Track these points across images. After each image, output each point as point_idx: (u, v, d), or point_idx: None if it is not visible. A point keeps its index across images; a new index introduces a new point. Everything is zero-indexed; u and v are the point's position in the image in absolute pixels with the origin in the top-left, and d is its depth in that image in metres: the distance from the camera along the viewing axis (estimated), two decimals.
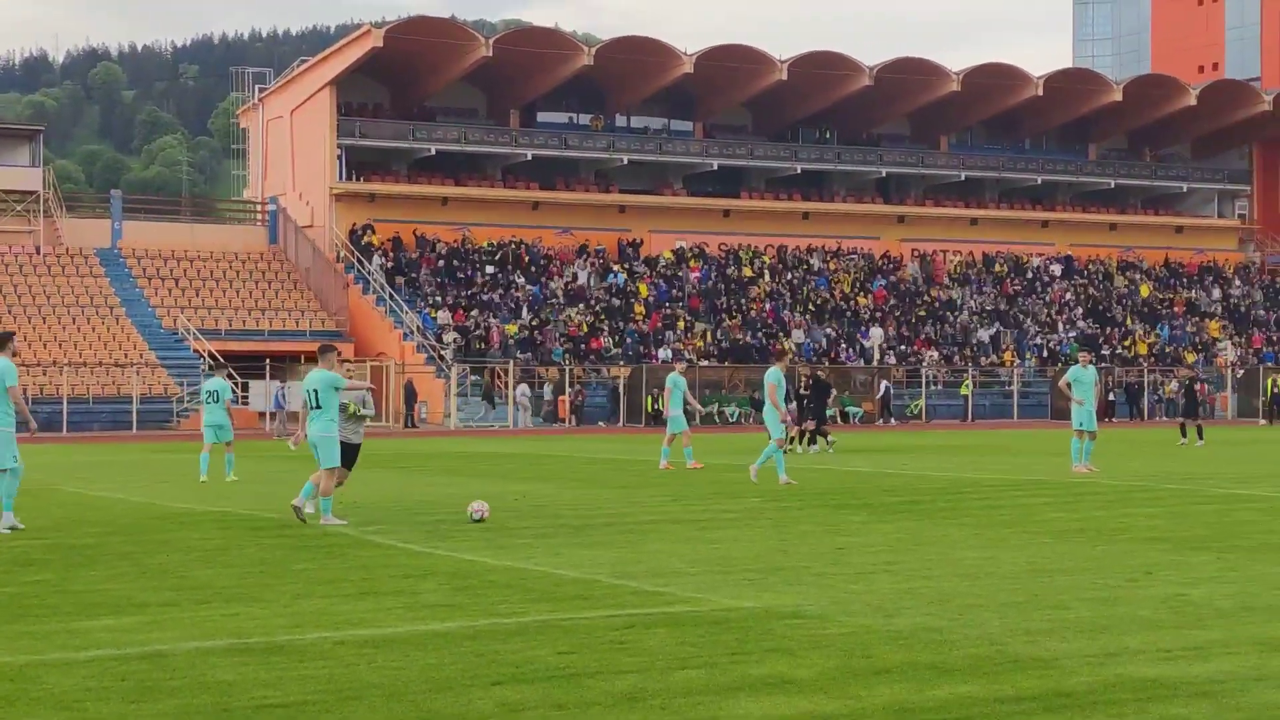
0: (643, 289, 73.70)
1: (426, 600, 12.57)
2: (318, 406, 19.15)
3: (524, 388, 62.54)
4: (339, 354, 20.79)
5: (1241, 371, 74.90)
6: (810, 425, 40.56)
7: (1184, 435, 42.23)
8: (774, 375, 26.06)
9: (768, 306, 74.56)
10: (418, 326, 65.80)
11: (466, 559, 15.39)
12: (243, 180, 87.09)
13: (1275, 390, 65.07)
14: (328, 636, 10.80)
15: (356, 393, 20.00)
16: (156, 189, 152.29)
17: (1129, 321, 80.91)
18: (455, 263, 72.65)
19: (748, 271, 77.53)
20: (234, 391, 31.76)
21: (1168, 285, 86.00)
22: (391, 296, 67.66)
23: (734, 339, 70.48)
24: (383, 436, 52.45)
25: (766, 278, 77.57)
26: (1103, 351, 75.28)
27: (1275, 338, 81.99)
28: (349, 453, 19.75)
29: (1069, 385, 29.56)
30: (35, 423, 19.59)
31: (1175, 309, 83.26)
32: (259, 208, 77.86)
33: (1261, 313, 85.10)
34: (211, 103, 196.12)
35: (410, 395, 61.32)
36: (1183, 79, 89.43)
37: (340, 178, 73.21)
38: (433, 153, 75.09)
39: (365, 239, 71.67)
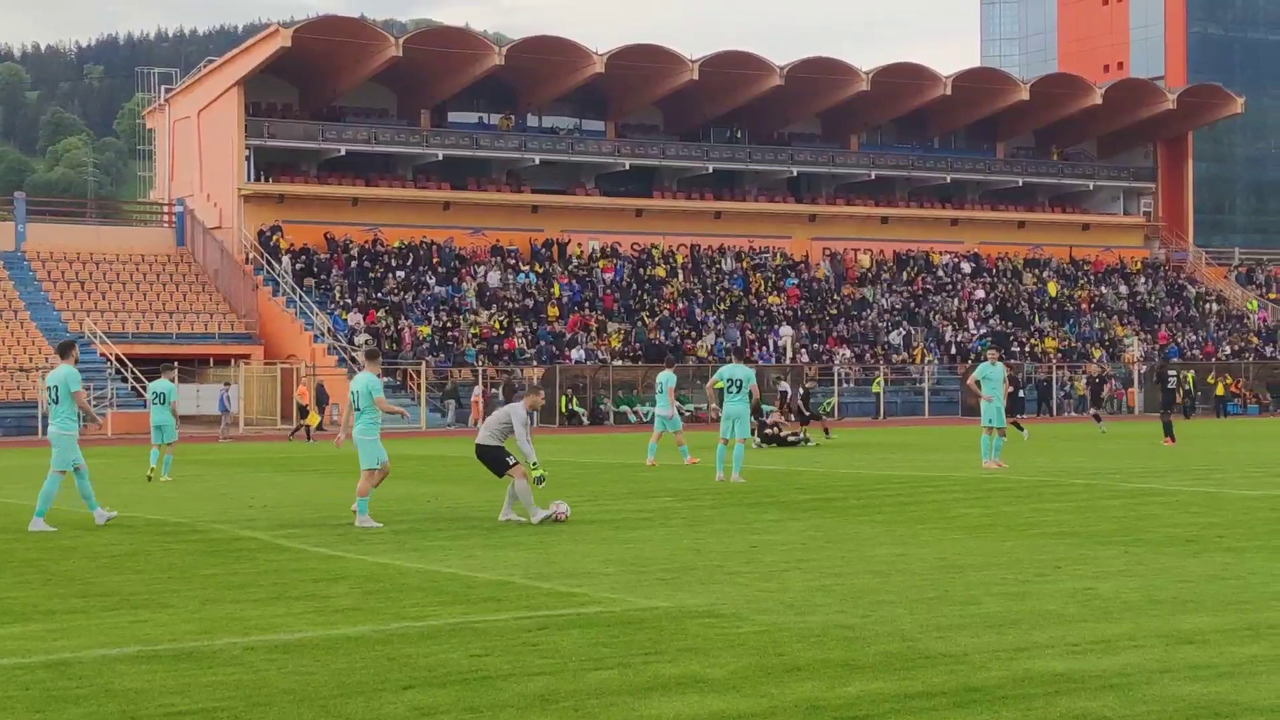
0: (556, 289, 73.61)
1: (337, 604, 12.49)
2: (358, 409, 19.48)
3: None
4: (381, 358, 21.66)
5: (1146, 367, 75.75)
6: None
7: (1099, 423, 43.72)
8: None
9: (680, 306, 74.69)
10: (328, 328, 65.39)
11: (378, 562, 15.30)
12: (149, 182, 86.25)
13: (1185, 387, 65.82)
14: (237, 642, 10.70)
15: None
16: (61, 191, 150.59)
17: (1037, 319, 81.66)
18: (366, 264, 72.27)
19: (660, 271, 77.65)
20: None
21: (1075, 282, 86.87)
22: (301, 298, 67.20)
23: (649, 339, 70.52)
24: (224, 440, 52.09)
25: (679, 277, 77.71)
26: (1012, 349, 75.94)
27: (1179, 333, 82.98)
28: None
29: (978, 383, 29.88)
30: (99, 420, 20.17)
31: (1082, 306, 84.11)
32: (166, 209, 77.10)
33: (1166, 309, 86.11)
34: (117, 103, 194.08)
35: (322, 397, 60.83)
36: (1088, 78, 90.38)
37: (249, 178, 72.62)
38: (342, 153, 74.67)
39: (274, 240, 71.14)
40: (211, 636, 10.94)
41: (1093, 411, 47.88)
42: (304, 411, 53.67)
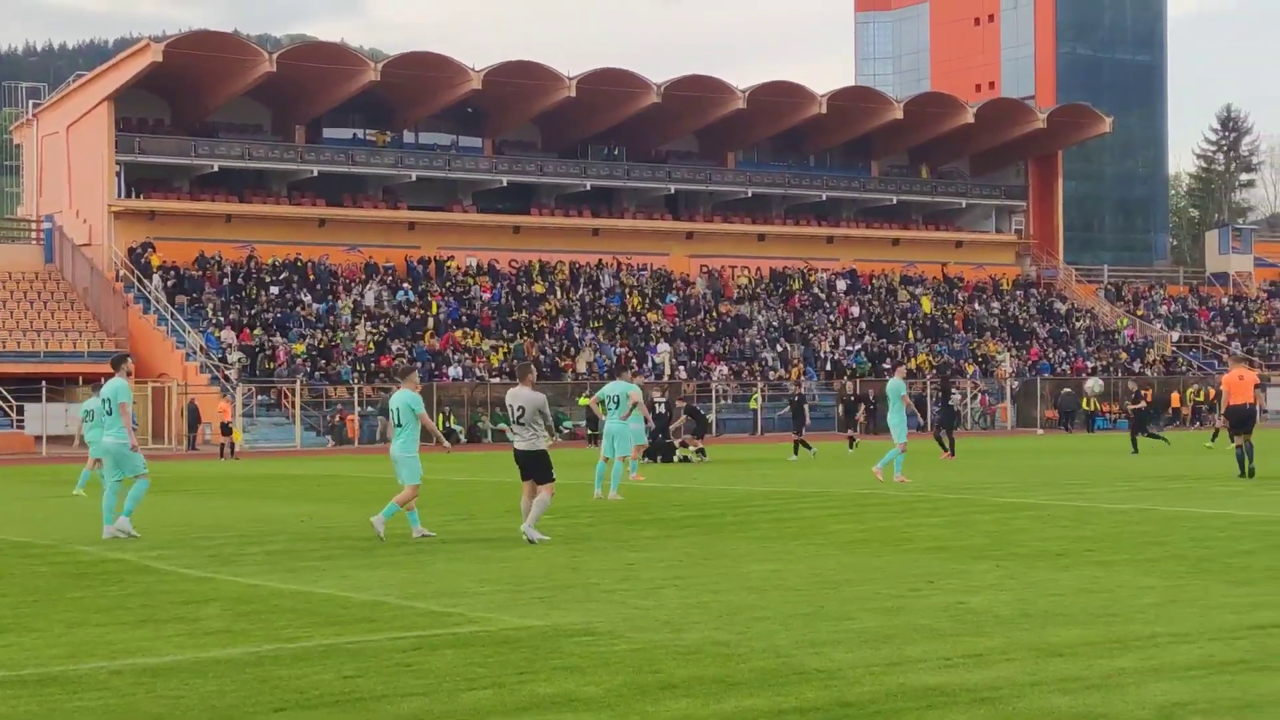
0: (434, 306, 73.28)
1: (208, 626, 12.31)
2: (399, 425, 19.72)
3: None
4: (419, 375, 22.15)
5: (1018, 383, 76.78)
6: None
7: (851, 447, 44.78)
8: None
9: (559, 323, 74.64)
10: (201, 346, 64.63)
11: (250, 584, 15.11)
12: (16, 198, 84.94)
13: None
14: (104, 666, 10.51)
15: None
16: None
17: (911, 335, 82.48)
18: (240, 281, 71.54)
19: (539, 288, 77.56)
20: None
21: (949, 299, 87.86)
22: (173, 316, 66.36)
23: (528, 356, 70.36)
24: (164, 459, 51.40)
25: (558, 294, 77.67)
26: (884, 365, 76.60)
27: (1050, 350, 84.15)
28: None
29: (901, 399, 30.17)
30: (135, 440, 20.60)
31: (955, 322, 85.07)
32: (34, 226, 75.89)
33: (1036, 325, 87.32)
34: None
35: (194, 417, 60.13)
36: (961, 98, 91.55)
37: (119, 195, 71.63)
38: (215, 169, 73.88)
39: (145, 257, 70.21)
40: (78, 660, 10.74)
41: (849, 434, 48.18)
42: (226, 429, 52.95)
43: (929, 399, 73.61)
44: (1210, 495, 24.93)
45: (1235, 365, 32.89)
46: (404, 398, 19.88)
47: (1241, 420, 29.62)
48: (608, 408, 27.06)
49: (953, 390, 48.40)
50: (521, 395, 19.09)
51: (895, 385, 30.24)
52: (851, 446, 46.06)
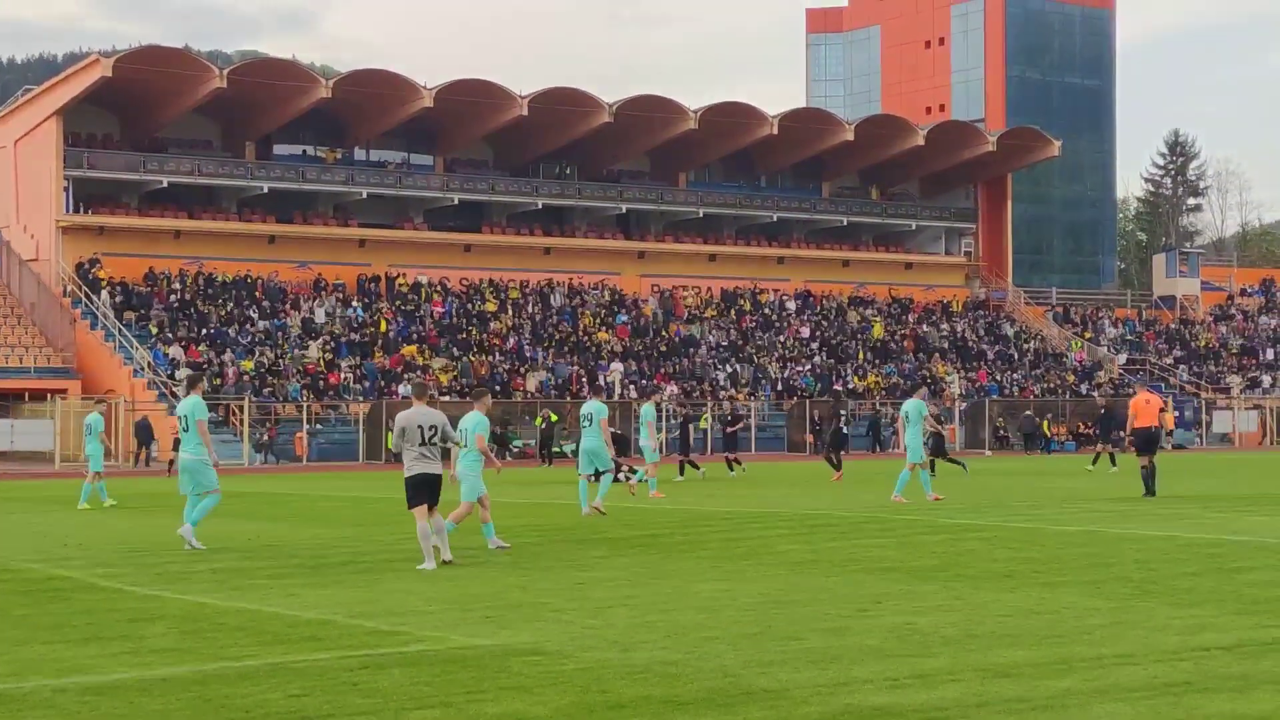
0: (383, 324, 73.09)
1: (154, 645, 12.24)
2: (464, 445, 20.30)
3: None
4: (490, 397, 22.90)
5: (966, 405, 77.07)
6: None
7: (1094, 462, 45.33)
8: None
9: (510, 341, 74.56)
10: (149, 363, 64.26)
11: (197, 602, 15.04)
12: None
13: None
14: (48, 684, 10.44)
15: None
16: None
17: (861, 356, 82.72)
18: (188, 297, 71.18)
19: (490, 306, 77.47)
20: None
21: (898, 320, 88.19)
22: (121, 332, 65.98)
23: (478, 375, 70.22)
24: (112, 476, 51.01)
25: (509, 313, 77.59)
26: (835, 386, 76.86)
27: (999, 371, 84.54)
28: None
29: (906, 419, 30.25)
30: (217, 456, 21.47)
31: (905, 344, 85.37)
32: None
33: (985, 347, 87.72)
34: None
35: (145, 434, 59.71)
36: (911, 120, 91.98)
37: (67, 210, 71.20)
38: (165, 185, 73.50)
39: (93, 273, 69.80)
40: (21, 678, 10.66)
41: (728, 456, 47.80)
42: (177, 444, 52.56)
43: (882, 421, 74.15)
44: (1156, 518, 25.09)
45: (1142, 390, 34.08)
46: (474, 420, 20.58)
47: (1147, 442, 31.01)
48: (582, 425, 27.34)
49: (841, 413, 48.59)
50: (435, 416, 18.93)
51: (915, 405, 30.30)
52: (734, 468, 45.48)
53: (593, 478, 27.03)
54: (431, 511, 18.55)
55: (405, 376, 68.79)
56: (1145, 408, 31.44)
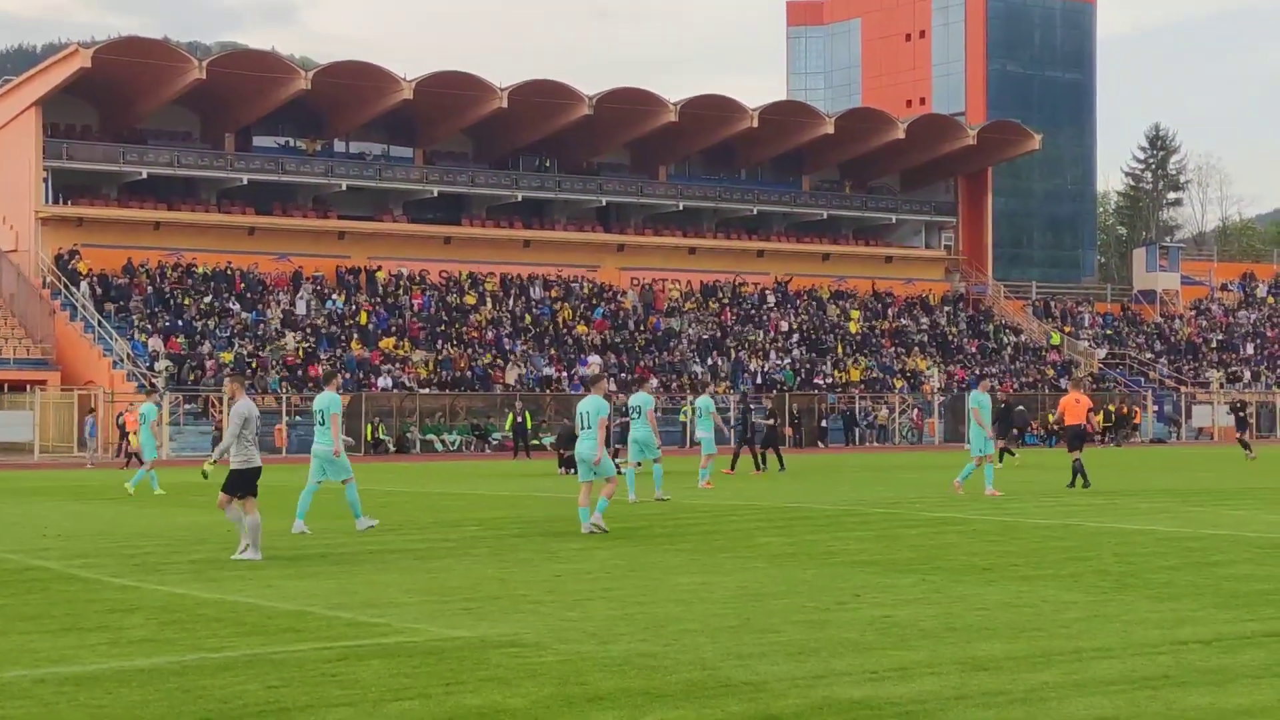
0: (363, 316, 72.98)
1: (132, 635, 12.21)
2: (587, 427, 21.53)
3: None
4: (608, 381, 23.44)
5: (945, 399, 77.17)
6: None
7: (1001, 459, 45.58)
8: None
9: (489, 334, 74.50)
10: (128, 354, 64.09)
11: (175, 593, 15.01)
12: None
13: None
14: (26, 675, 10.41)
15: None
16: None
17: (841, 349, 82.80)
18: (168, 289, 71.01)
19: (470, 299, 77.38)
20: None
21: (878, 314, 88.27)
22: (100, 323, 65.80)
23: (458, 368, 70.17)
24: (96, 467, 50.92)
25: (489, 305, 77.52)
26: (815, 381, 76.94)
27: (979, 365, 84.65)
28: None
29: (976, 411, 30.32)
30: (341, 446, 22.07)
31: (883, 342, 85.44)
32: None
33: (965, 341, 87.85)
34: None
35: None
36: (892, 113, 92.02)
37: (46, 201, 71.02)
38: (144, 176, 73.34)
39: (73, 264, 69.61)
40: (0, 669, 10.64)
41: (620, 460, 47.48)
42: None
43: (859, 414, 74.27)
44: (1135, 511, 25.16)
45: (1073, 390, 35.66)
46: (593, 403, 21.71)
47: (1076, 438, 32.95)
48: (631, 417, 28.89)
49: (752, 408, 48.75)
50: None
51: (978, 398, 30.52)
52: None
53: (636, 466, 28.73)
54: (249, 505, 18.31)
55: (384, 368, 68.72)
56: (1075, 406, 33.36)
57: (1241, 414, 53.08)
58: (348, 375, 64.53)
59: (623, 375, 74.09)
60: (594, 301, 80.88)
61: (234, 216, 75.71)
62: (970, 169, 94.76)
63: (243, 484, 18.26)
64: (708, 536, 20.91)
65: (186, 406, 62.68)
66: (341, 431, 22.13)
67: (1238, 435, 51.45)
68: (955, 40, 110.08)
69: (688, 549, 19.10)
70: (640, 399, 28.77)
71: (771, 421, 46.00)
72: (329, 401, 21.79)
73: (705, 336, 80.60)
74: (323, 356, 68.36)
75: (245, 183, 75.68)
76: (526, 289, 79.94)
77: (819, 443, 71.02)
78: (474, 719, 8.99)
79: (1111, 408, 76.12)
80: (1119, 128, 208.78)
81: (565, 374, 72.53)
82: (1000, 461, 45.98)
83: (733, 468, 42.36)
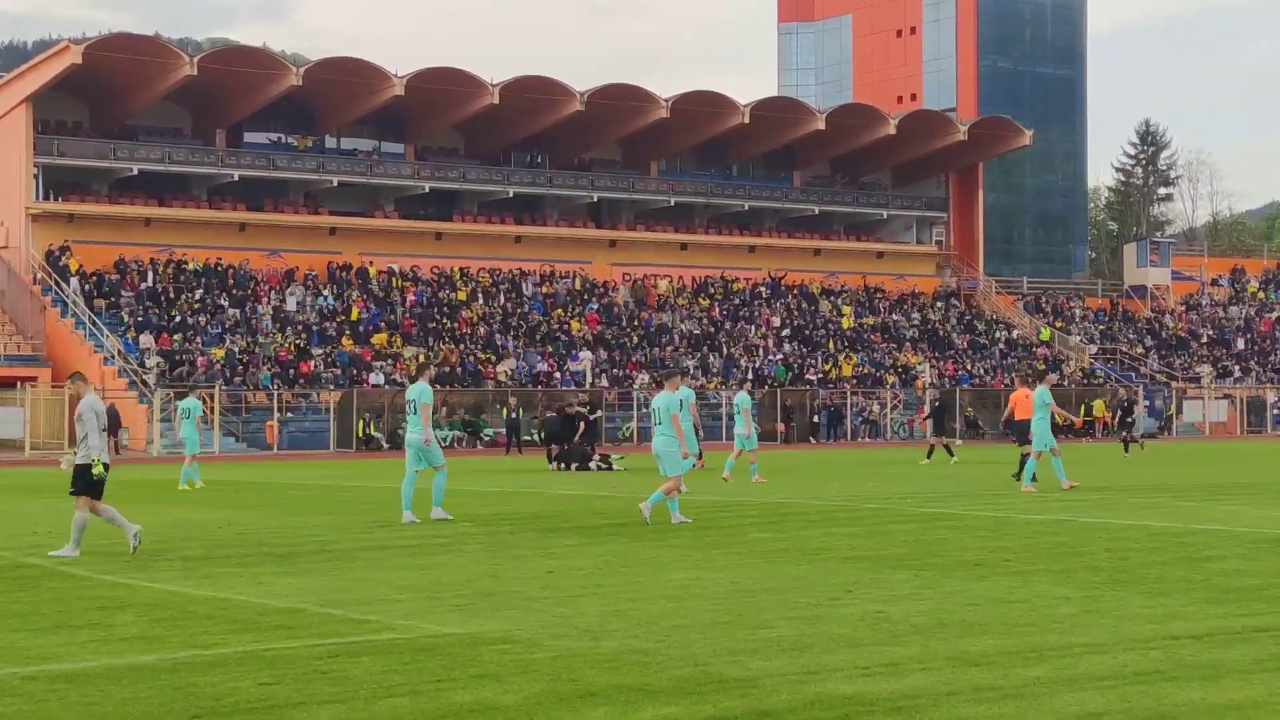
0: (355, 312, 72.93)
1: (123, 633, 12.20)
2: (659, 423, 22.34)
3: None
4: (680, 378, 24.68)
5: (937, 394, 77.12)
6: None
7: (930, 455, 45.97)
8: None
9: (481, 330, 74.46)
10: (119, 351, 64.02)
11: (166, 589, 14.99)
12: None
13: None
14: (16, 672, 10.40)
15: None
16: None
17: (832, 345, 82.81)
18: (159, 286, 70.92)
19: (461, 294, 77.34)
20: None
21: (869, 309, 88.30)
22: (91, 320, 65.71)
23: (449, 364, 70.12)
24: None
25: (480, 301, 77.48)
26: (807, 376, 76.96)
27: (970, 360, 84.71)
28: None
29: (1046, 406, 30.44)
30: (432, 435, 23.16)
31: (874, 338, 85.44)
32: None
33: (956, 336, 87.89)
34: None
35: (114, 421, 59.49)
36: (883, 109, 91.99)
37: (37, 197, 70.88)
38: (135, 172, 73.23)
39: (63, 261, 69.50)
40: None
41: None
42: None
43: (849, 410, 74.30)
44: (1127, 507, 25.19)
45: (1021, 385, 36.67)
46: (665, 399, 22.39)
47: (1023, 432, 33.35)
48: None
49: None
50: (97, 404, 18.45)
51: (1041, 393, 30.59)
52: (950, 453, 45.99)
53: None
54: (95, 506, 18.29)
55: (376, 365, 68.64)
56: (1024, 401, 33.78)
57: (1128, 413, 53.10)
58: (436, 368, 65.40)
59: (614, 371, 74.11)
60: (585, 297, 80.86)
61: (225, 213, 75.62)
62: (961, 165, 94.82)
63: (79, 480, 18.20)
64: (699, 532, 20.92)
65: (177, 403, 62.52)
66: (431, 421, 23.08)
67: (1121, 435, 51.91)
68: (946, 36, 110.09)
69: (680, 545, 19.10)
70: (683, 393, 28.66)
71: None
72: (420, 392, 23.04)
73: (696, 332, 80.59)
74: (315, 353, 68.30)
75: (236, 179, 75.58)
76: (518, 284, 79.90)
77: (811, 438, 71.08)
78: (466, 716, 8.99)
79: (1104, 401, 76.14)
80: (1110, 123, 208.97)
81: (557, 369, 72.50)
82: (930, 458, 45.53)
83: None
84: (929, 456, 45.62)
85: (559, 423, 44.96)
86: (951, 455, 45.14)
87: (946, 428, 49.19)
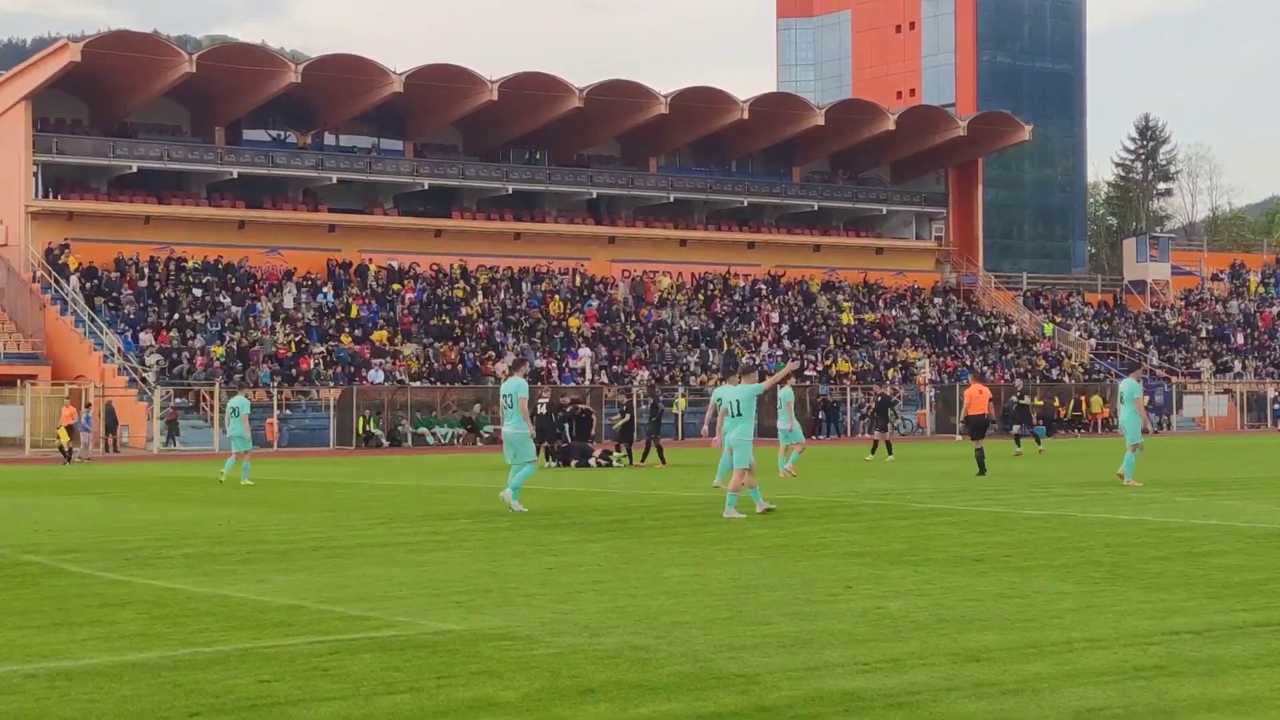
0: (354, 309, 72.92)
1: (123, 630, 12.19)
2: (738, 415, 22.65)
3: None
4: (757, 373, 25.32)
5: (936, 390, 77.19)
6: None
7: (873, 451, 44.06)
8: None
9: (480, 327, 74.45)
10: (118, 348, 64.01)
11: (166, 587, 14.99)
12: None
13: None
14: (17, 670, 10.39)
15: None
16: None
17: (831, 341, 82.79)
18: (158, 283, 70.91)
19: (460, 292, 77.32)
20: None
21: (868, 305, 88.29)
22: (91, 318, 65.71)
23: (449, 361, 70.12)
24: (81, 461, 50.87)
25: (479, 298, 77.46)
26: (806, 372, 76.93)
27: (969, 356, 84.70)
28: None
29: (1121, 399, 30.39)
30: (533, 428, 24.40)
31: (875, 328, 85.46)
32: None
33: (956, 332, 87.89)
34: None
35: (111, 419, 59.53)
36: (882, 105, 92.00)
37: (36, 195, 70.89)
38: (134, 170, 73.25)
39: (63, 259, 69.51)
40: None
41: (874, 438, 46.43)
42: (70, 431, 52.31)
43: (848, 405, 74.30)
44: (1126, 501, 25.17)
45: (975, 381, 37.41)
46: (742, 390, 22.90)
47: (978, 428, 34.59)
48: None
49: (659, 402, 48.85)
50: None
51: (1129, 386, 30.26)
52: (889, 451, 44.48)
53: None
54: None
55: (376, 362, 68.70)
56: (978, 397, 34.90)
57: (891, 411, 52.30)
58: (529, 365, 65.60)
59: (613, 367, 74.10)
60: (585, 293, 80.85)
61: (224, 210, 75.64)
62: (960, 160, 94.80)
63: None
64: (699, 529, 20.90)
65: (177, 401, 62.61)
66: (528, 414, 23.83)
67: (875, 435, 47.02)
68: (945, 31, 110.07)
69: (679, 541, 19.10)
70: (783, 394, 29.16)
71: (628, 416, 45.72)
72: (516, 387, 23.86)
73: (696, 328, 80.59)
74: (314, 351, 68.30)
75: (235, 176, 75.58)
76: (517, 281, 79.89)
77: (812, 435, 71.03)
78: (466, 712, 8.98)
79: (1101, 397, 76.14)
80: (1109, 118, 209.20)
81: (556, 366, 72.48)
82: (874, 453, 44.56)
83: (644, 459, 42.62)
84: (873, 452, 44.39)
85: (546, 420, 44.77)
86: (890, 454, 43.15)
87: (891, 424, 48.62)
